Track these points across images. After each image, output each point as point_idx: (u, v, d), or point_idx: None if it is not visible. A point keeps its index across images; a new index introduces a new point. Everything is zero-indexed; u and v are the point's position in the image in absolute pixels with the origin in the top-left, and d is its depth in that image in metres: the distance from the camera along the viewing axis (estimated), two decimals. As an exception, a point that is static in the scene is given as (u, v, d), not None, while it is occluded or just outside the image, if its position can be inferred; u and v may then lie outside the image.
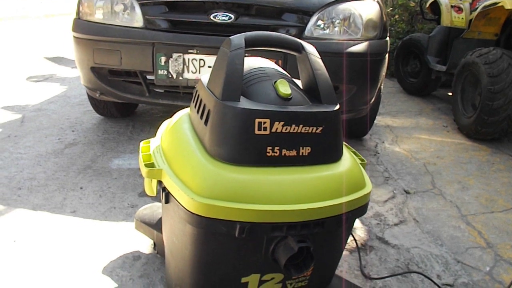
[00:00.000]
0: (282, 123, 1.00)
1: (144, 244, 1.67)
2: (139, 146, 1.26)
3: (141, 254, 1.62)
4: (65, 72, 4.85)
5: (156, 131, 1.39)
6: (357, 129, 2.95)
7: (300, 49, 1.18)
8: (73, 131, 2.87)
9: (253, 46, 1.13)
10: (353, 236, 1.77)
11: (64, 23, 8.94)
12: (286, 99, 1.05)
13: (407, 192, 2.31)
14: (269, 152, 1.00)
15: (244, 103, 1.01)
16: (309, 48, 1.18)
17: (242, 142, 0.99)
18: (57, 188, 2.09)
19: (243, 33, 1.13)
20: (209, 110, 1.05)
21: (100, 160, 2.44)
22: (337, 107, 1.10)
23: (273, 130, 1.00)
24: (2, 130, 2.84)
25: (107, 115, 3.11)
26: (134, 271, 1.52)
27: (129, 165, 2.38)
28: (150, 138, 1.33)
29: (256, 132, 0.99)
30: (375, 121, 3.10)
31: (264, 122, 0.99)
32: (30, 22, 10.31)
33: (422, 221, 2.02)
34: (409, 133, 3.33)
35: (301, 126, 1.02)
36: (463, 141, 3.21)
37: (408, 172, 2.58)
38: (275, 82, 1.09)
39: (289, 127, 1.01)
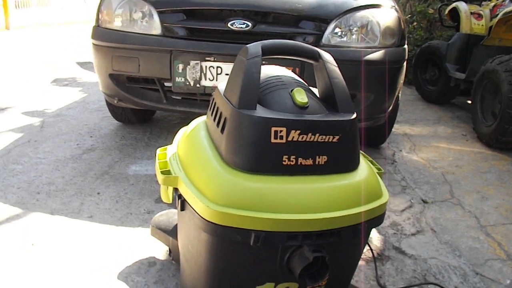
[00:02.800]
0: (298, 131, 1.00)
1: (160, 250, 1.68)
2: (155, 153, 1.27)
3: (156, 260, 1.63)
4: (87, 77, 4.92)
5: (173, 138, 1.40)
6: (375, 137, 2.93)
7: (317, 57, 1.17)
8: (91, 136, 2.91)
9: (270, 55, 1.13)
10: (369, 246, 1.75)
11: (84, 31, 9.08)
12: (302, 108, 1.05)
13: (424, 202, 2.28)
14: (285, 161, 1.00)
15: (261, 112, 1.01)
16: (326, 56, 1.18)
17: (258, 150, 0.99)
18: (75, 193, 2.11)
19: (260, 42, 1.13)
20: (225, 118, 1.05)
21: (117, 166, 2.46)
22: (354, 116, 1.09)
23: (290, 138, 1.00)
24: (23, 135, 2.89)
25: (125, 121, 3.14)
26: (149, 277, 1.53)
27: (146, 171, 2.40)
28: (167, 144, 1.33)
29: (273, 140, 0.99)
30: (392, 129, 3.08)
31: (281, 131, 0.99)
32: (52, 29, 10.50)
33: (440, 231, 1.99)
34: (427, 142, 3.29)
35: (317, 134, 1.02)
36: (482, 150, 3.16)
37: (426, 181, 2.55)
38: (291, 90, 1.09)
39: (305, 136, 1.01)
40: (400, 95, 2.77)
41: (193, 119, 1.36)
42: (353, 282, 1.51)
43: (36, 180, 2.23)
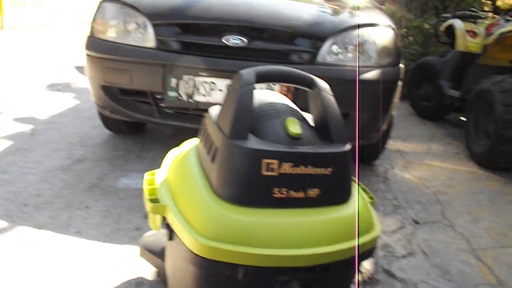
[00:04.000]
0: (290, 164, 0.98)
1: (148, 270, 1.65)
2: (144, 177, 1.25)
3: (144, 280, 1.60)
4: (80, 83, 4.88)
5: (165, 153, 1.38)
6: (368, 154, 2.92)
7: (311, 85, 1.16)
8: (82, 146, 2.87)
9: (264, 81, 1.12)
10: (359, 270, 1.74)
11: (81, 33, 9.02)
12: (295, 139, 1.03)
13: (416, 222, 2.27)
14: (276, 193, 0.98)
15: (252, 143, 0.99)
16: (321, 84, 1.16)
17: (249, 183, 0.97)
18: (63, 207, 2.08)
19: (254, 68, 1.11)
20: (216, 148, 1.03)
21: (107, 178, 2.43)
22: (348, 147, 1.08)
23: (281, 171, 0.98)
24: (13, 143, 2.85)
25: (117, 131, 3.11)
26: (136, 299, 1.50)
27: (136, 184, 2.37)
28: (158, 156, 1.30)
29: (264, 173, 0.97)
30: (386, 145, 3.07)
31: (272, 163, 0.97)
32: (47, 30, 10.45)
33: (430, 253, 1.98)
34: (420, 159, 3.29)
35: (309, 167, 1.00)
36: (475, 169, 3.16)
37: (418, 201, 2.54)
38: (285, 119, 1.07)
39: (297, 168, 0.99)
40: (394, 113, 2.76)
41: (185, 134, 1.34)
42: (342, 308, 1.49)
43: (24, 192, 2.20)
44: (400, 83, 2.48)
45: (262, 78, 1.11)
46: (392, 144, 3.56)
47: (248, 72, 1.10)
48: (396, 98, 2.52)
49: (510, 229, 2.29)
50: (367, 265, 1.84)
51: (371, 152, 2.88)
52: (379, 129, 2.46)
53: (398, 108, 4.82)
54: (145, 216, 2.03)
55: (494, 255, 2.03)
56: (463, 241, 2.13)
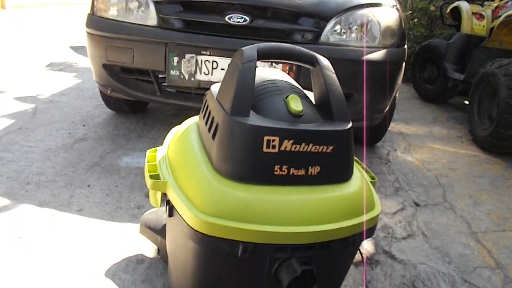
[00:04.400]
0: (291, 141, 0.97)
1: (148, 248, 1.66)
2: (145, 154, 1.24)
3: (144, 258, 1.61)
4: (82, 62, 4.86)
5: (165, 137, 1.37)
6: (371, 136, 2.90)
7: (314, 62, 1.14)
8: (83, 125, 2.87)
9: (265, 58, 1.10)
10: (359, 250, 1.74)
11: (81, 13, 8.97)
12: (297, 116, 1.03)
13: (417, 205, 2.27)
14: (276, 171, 0.98)
15: (254, 119, 0.99)
16: (324, 62, 1.15)
17: (249, 159, 0.96)
18: (65, 185, 2.08)
19: (256, 44, 1.10)
20: (217, 124, 1.02)
21: (109, 157, 2.43)
22: (350, 125, 1.07)
23: (282, 148, 0.97)
24: (14, 122, 2.84)
25: (119, 111, 3.10)
26: (137, 276, 1.51)
27: (138, 163, 2.37)
28: (160, 136, 1.30)
29: (265, 150, 0.96)
30: (388, 128, 3.05)
31: (273, 140, 0.96)
32: (48, 9, 10.37)
33: (430, 236, 1.98)
34: (423, 142, 3.28)
35: (311, 145, 0.99)
36: (477, 153, 3.14)
37: (419, 183, 2.53)
38: (286, 97, 1.06)
39: (298, 146, 0.98)
40: (397, 94, 2.74)
41: (187, 114, 1.33)
42: (341, 287, 1.50)
43: (26, 170, 2.20)
44: (404, 64, 2.46)
45: (264, 55, 1.09)
46: (394, 127, 3.55)
47: (250, 49, 1.08)
48: (400, 80, 2.50)
49: (511, 213, 2.28)
50: (367, 246, 1.85)
51: (373, 134, 2.86)
52: (383, 111, 2.44)
53: (401, 91, 4.80)
54: (146, 195, 2.04)
55: (494, 238, 2.03)
56: (464, 224, 2.13)
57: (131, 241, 1.69)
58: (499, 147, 3.03)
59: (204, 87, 2.21)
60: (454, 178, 2.67)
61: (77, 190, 2.05)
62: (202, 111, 1.19)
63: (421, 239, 1.95)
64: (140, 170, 2.29)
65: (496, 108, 3.06)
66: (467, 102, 3.89)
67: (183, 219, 0.97)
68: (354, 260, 1.72)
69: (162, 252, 1.55)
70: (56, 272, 1.49)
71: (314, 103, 1.16)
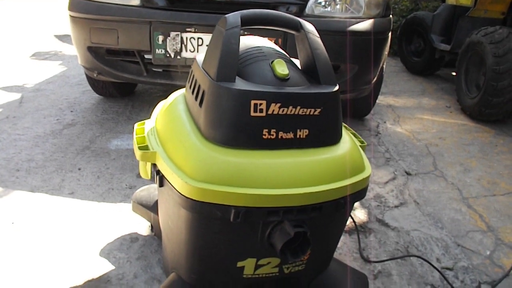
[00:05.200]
0: (278, 104, 0.97)
1: (142, 226, 1.66)
2: (133, 127, 1.24)
3: (138, 236, 1.61)
4: (66, 50, 4.80)
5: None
6: (359, 109, 2.92)
7: (298, 27, 1.13)
8: (71, 111, 2.85)
9: (249, 25, 1.09)
10: (352, 218, 1.76)
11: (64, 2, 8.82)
12: (283, 80, 1.02)
13: (408, 174, 2.29)
14: (265, 135, 0.97)
15: (240, 84, 0.98)
16: (308, 26, 1.14)
17: (237, 124, 0.96)
18: (55, 170, 2.07)
19: (239, 11, 1.09)
20: (203, 91, 1.02)
21: (98, 140, 2.41)
22: (336, 88, 1.06)
23: (270, 112, 0.97)
24: (1, 111, 2.81)
25: (106, 95, 3.08)
26: (132, 253, 1.51)
27: (128, 145, 2.36)
28: (147, 119, 1.30)
29: (252, 114, 0.96)
30: (377, 101, 3.06)
31: (260, 104, 0.96)
32: (31, 0, 10.19)
33: (422, 203, 2.00)
34: (412, 113, 3.29)
35: (298, 107, 0.99)
36: (466, 122, 3.17)
37: (409, 153, 2.55)
38: (272, 62, 1.06)
39: (286, 109, 0.98)
40: (384, 66, 2.74)
41: (172, 92, 1.32)
42: (336, 255, 1.51)
43: (15, 157, 2.18)
44: (390, 34, 2.45)
45: (248, 21, 1.08)
46: (383, 100, 3.56)
47: (234, 15, 1.07)
48: (386, 51, 2.50)
49: (501, 178, 2.31)
50: (360, 215, 1.86)
51: (362, 107, 2.87)
52: (370, 82, 2.44)
53: (389, 64, 4.81)
54: (138, 175, 2.03)
55: (485, 203, 2.05)
56: (455, 190, 2.15)
57: (125, 220, 1.69)
58: (488, 115, 3.05)
59: (190, 65, 2.19)
60: (444, 147, 2.68)
61: (68, 174, 2.04)
62: (188, 81, 1.18)
63: (413, 207, 1.97)
64: (130, 152, 2.28)
65: (483, 77, 3.07)
66: (454, 74, 3.90)
67: (173, 187, 0.97)
68: (347, 229, 1.74)
69: (155, 228, 1.55)
70: (51, 254, 1.49)
71: (300, 68, 1.16)
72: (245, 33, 1.09)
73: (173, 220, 1.10)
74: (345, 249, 1.63)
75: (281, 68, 1.03)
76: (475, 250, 1.69)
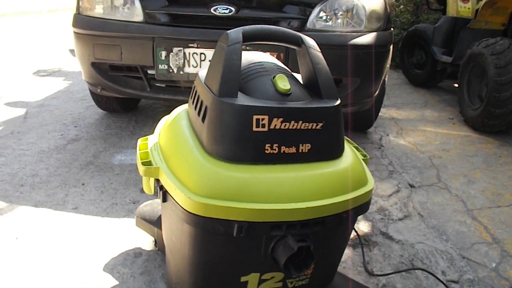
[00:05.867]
0: (280, 119, 0.98)
1: (145, 241, 1.66)
2: (136, 143, 1.25)
3: (142, 251, 1.61)
4: (70, 66, 4.84)
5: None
6: (362, 122, 2.92)
7: (299, 42, 1.15)
8: (75, 126, 2.86)
9: (251, 40, 1.10)
10: (356, 232, 1.75)
11: (68, 18, 8.94)
12: (285, 95, 1.03)
13: (411, 186, 2.28)
14: (267, 150, 0.98)
15: (242, 99, 0.99)
16: (309, 41, 1.15)
17: (240, 139, 0.96)
18: (59, 185, 2.08)
19: (241, 27, 1.10)
20: (206, 107, 1.03)
21: (102, 155, 2.42)
22: (338, 102, 1.07)
23: (272, 126, 0.97)
24: (5, 127, 2.83)
25: (110, 110, 3.10)
26: (135, 268, 1.51)
27: (131, 160, 2.37)
28: (151, 134, 1.31)
29: (254, 129, 0.96)
30: (379, 113, 3.07)
31: (262, 119, 0.96)
32: (34, 17, 10.31)
33: (427, 215, 2.00)
34: (414, 126, 3.29)
35: (300, 122, 1.00)
36: (469, 133, 3.16)
37: (413, 166, 2.55)
38: (274, 77, 1.07)
39: (288, 124, 0.99)
40: (386, 79, 2.75)
41: (175, 108, 1.33)
42: (340, 268, 1.51)
43: (19, 172, 2.19)
44: (391, 47, 2.47)
45: (249, 37, 1.10)
46: (386, 112, 3.56)
47: (235, 31, 1.09)
48: (388, 64, 2.51)
49: (505, 189, 2.30)
50: (364, 228, 1.86)
51: (365, 120, 2.88)
52: (372, 95, 2.45)
53: (391, 77, 4.82)
54: (141, 190, 2.04)
55: (490, 214, 2.04)
56: (459, 202, 2.14)
57: (128, 235, 1.69)
58: (491, 126, 3.05)
59: (193, 80, 2.20)
60: (448, 158, 2.68)
61: (71, 189, 2.04)
62: (191, 97, 1.19)
63: (418, 219, 1.96)
64: (133, 167, 2.29)
65: (485, 88, 3.08)
66: (456, 85, 3.91)
67: (177, 202, 0.97)
68: (351, 242, 1.73)
69: (159, 243, 1.55)
70: (55, 269, 1.49)
71: (302, 83, 1.17)
72: (247, 48, 1.11)
73: (176, 235, 1.10)
74: (349, 263, 1.62)
75: (283, 83, 1.03)
76: (481, 262, 1.67)
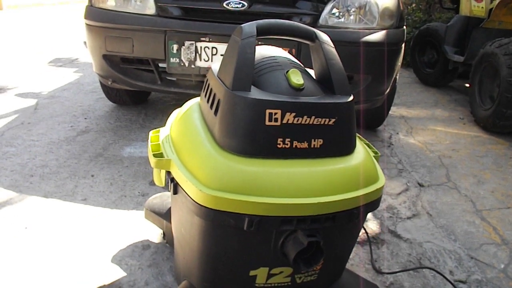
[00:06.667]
0: (293, 114, 0.97)
1: (154, 233, 1.66)
2: (148, 135, 1.25)
3: (150, 243, 1.62)
4: (82, 58, 4.87)
5: (167, 120, 1.38)
6: (372, 120, 2.91)
7: (313, 37, 1.14)
8: (85, 118, 2.88)
9: (264, 35, 1.10)
10: (364, 229, 1.75)
11: (80, 10, 8.96)
12: (298, 90, 1.02)
13: (421, 185, 2.27)
14: (279, 144, 0.98)
15: (255, 93, 0.99)
16: (323, 37, 1.14)
17: (252, 133, 0.96)
18: (69, 176, 2.09)
19: (255, 21, 1.10)
20: (219, 100, 1.02)
21: (111, 147, 2.43)
22: (351, 98, 1.07)
23: (284, 121, 0.97)
24: (16, 117, 2.85)
25: (120, 103, 3.11)
26: (143, 260, 1.52)
27: (141, 153, 2.38)
28: (162, 126, 1.31)
29: (267, 123, 0.96)
30: (390, 112, 3.05)
31: (275, 113, 0.96)
32: (47, 9, 10.36)
33: (435, 215, 1.99)
34: (424, 125, 3.27)
35: (313, 117, 0.99)
36: (479, 134, 3.14)
37: (422, 165, 2.53)
38: (287, 71, 1.06)
39: (300, 119, 0.98)
40: (398, 77, 2.74)
41: (187, 101, 1.33)
42: (348, 265, 1.50)
43: (29, 163, 2.21)
44: (403, 45, 2.45)
45: (263, 31, 1.09)
46: (396, 111, 3.54)
47: (249, 25, 1.08)
48: (400, 62, 2.50)
49: (515, 190, 2.29)
50: (372, 226, 1.85)
51: (375, 118, 2.86)
52: (384, 92, 2.44)
53: (402, 76, 4.79)
54: (151, 182, 2.04)
55: (499, 215, 2.03)
56: (468, 202, 2.13)
57: (137, 228, 1.70)
58: (501, 126, 3.02)
59: (204, 74, 2.21)
60: (457, 158, 2.66)
61: (81, 180, 2.06)
62: (204, 90, 1.19)
63: (426, 218, 1.95)
64: (143, 160, 2.30)
65: (497, 88, 3.05)
66: (468, 85, 3.88)
67: (187, 195, 0.97)
68: (360, 240, 1.73)
69: (167, 236, 1.55)
70: (63, 259, 1.50)
71: (314, 78, 1.16)
72: (260, 43, 1.10)
73: (186, 228, 1.10)
74: (357, 260, 1.62)
75: (296, 78, 1.03)
76: (489, 263, 1.66)
